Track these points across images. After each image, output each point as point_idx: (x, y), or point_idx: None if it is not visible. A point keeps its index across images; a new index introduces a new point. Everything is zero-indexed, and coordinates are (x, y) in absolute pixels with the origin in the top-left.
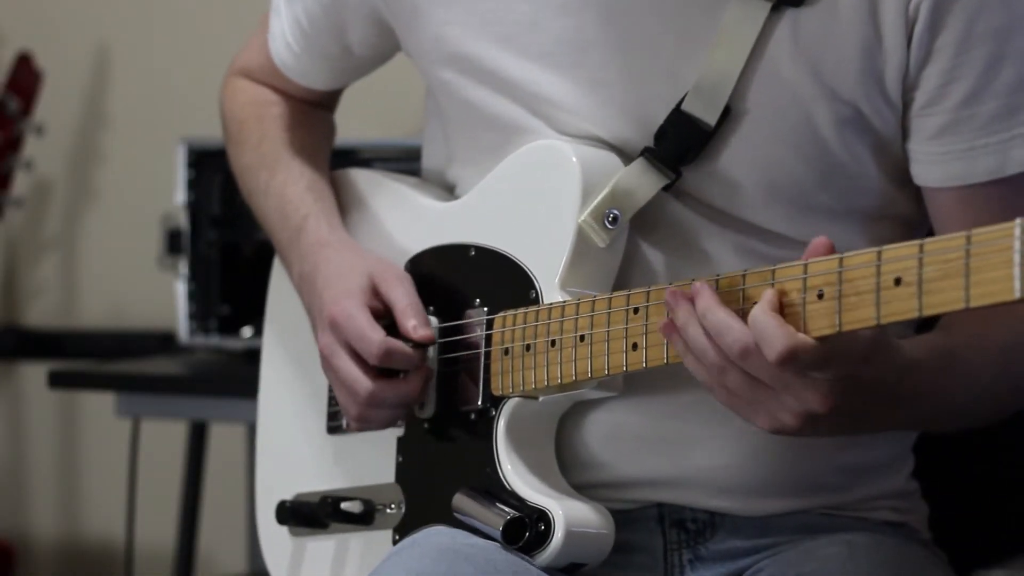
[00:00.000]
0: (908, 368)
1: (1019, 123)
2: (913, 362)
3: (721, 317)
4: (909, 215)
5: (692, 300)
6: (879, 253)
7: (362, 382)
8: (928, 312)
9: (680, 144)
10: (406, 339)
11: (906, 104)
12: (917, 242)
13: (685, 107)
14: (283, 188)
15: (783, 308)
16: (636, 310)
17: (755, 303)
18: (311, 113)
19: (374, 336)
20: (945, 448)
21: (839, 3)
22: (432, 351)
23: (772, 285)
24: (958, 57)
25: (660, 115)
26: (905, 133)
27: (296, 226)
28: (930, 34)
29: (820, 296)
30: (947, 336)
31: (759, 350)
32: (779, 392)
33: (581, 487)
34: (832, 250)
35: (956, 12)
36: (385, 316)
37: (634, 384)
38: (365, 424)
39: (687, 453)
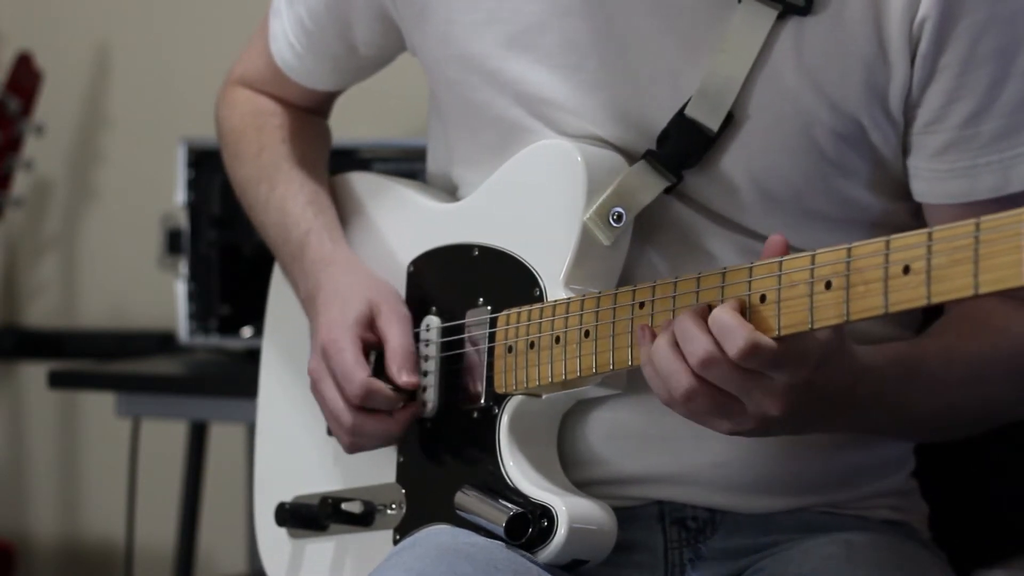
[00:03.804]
0: (863, 374)
1: (1022, 142)
2: (869, 369)
3: (688, 324)
4: (907, 226)
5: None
6: (887, 242)
7: (344, 414)
8: (936, 299)
9: (682, 148)
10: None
11: (908, 121)
12: (926, 230)
13: (688, 112)
14: (283, 202)
15: (790, 298)
16: (641, 304)
17: (761, 294)
18: (310, 122)
19: (357, 376)
20: (945, 448)
21: (844, 17)
22: (434, 350)
23: (780, 276)
24: (962, 77)
25: (661, 118)
26: (906, 150)
27: (298, 242)
28: (934, 53)
29: (828, 286)
30: (913, 346)
31: (723, 356)
32: (741, 400)
33: (582, 484)
34: (787, 248)
35: (960, 32)
36: (377, 348)
37: (636, 382)
38: (356, 449)
39: (688, 450)
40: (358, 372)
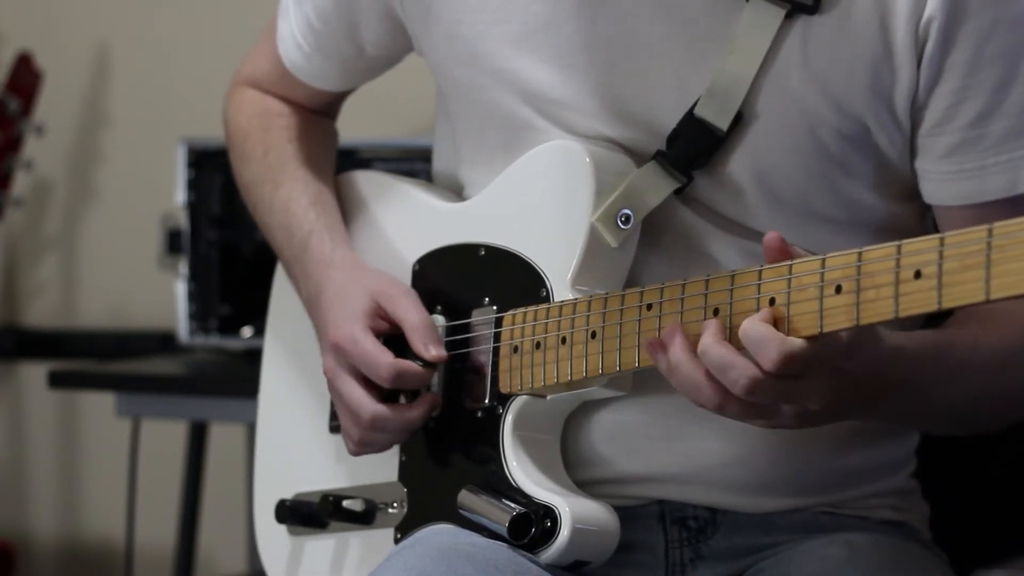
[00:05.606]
0: (895, 358)
1: None
2: (899, 350)
3: (719, 351)
4: (912, 229)
5: (666, 346)
6: (899, 246)
7: (367, 406)
8: (947, 305)
9: (692, 148)
10: (416, 357)
11: (915, 123)
12: (937, 235)
13: (697, 112)
14: (287, 203)
15: (800, 302)
16: (649, 306)
17: (771, 297)
18: (316, 123)
19: (383, 359)
20: (945, 448)
21: (851, 17)
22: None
23: (789, 279)
24: (968, 78)
25: (670, 119)
26: (914, 152)
27: (300, 243)
28: (940, 54)
29: (838, 290)
30: (940, 333)
31: (765, 377)
32: (780, 405)
33: (583, 484)
34: (784, 244)
35: (967, 33)
36: (390, 334)
37: (638, 381)
38: (367, 448)
39: (689, 450)
40: (383, 356)
